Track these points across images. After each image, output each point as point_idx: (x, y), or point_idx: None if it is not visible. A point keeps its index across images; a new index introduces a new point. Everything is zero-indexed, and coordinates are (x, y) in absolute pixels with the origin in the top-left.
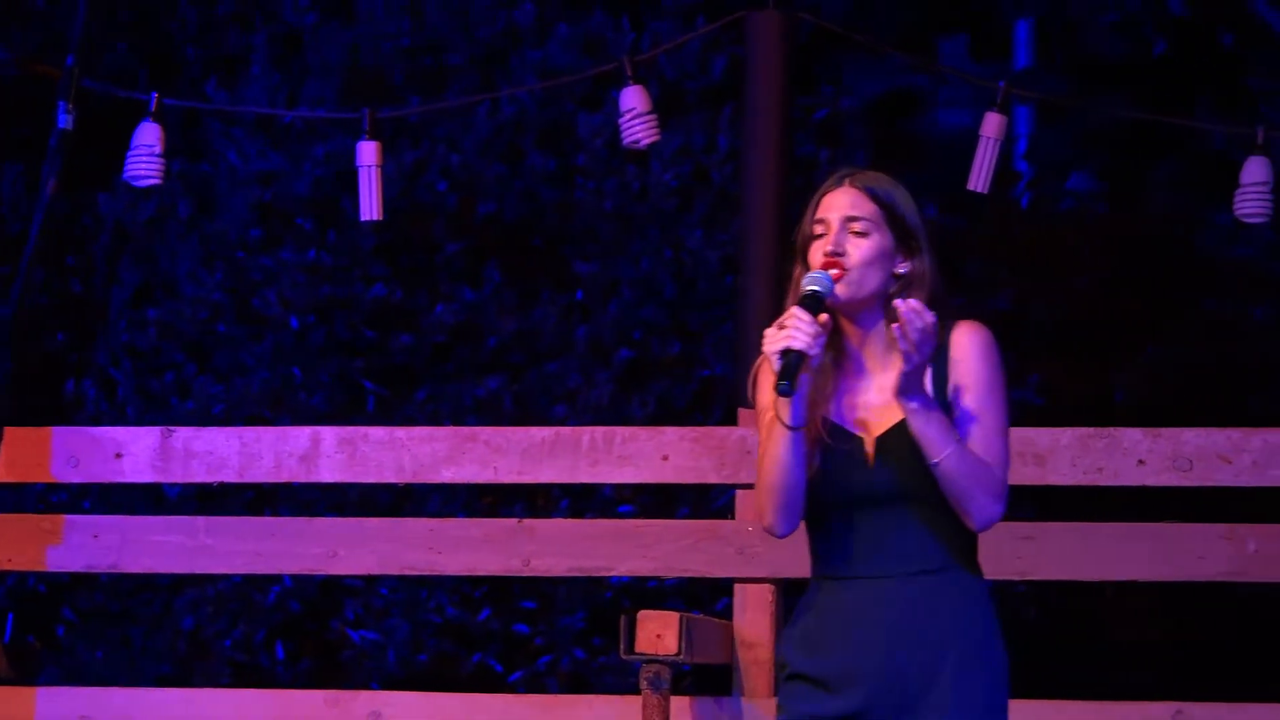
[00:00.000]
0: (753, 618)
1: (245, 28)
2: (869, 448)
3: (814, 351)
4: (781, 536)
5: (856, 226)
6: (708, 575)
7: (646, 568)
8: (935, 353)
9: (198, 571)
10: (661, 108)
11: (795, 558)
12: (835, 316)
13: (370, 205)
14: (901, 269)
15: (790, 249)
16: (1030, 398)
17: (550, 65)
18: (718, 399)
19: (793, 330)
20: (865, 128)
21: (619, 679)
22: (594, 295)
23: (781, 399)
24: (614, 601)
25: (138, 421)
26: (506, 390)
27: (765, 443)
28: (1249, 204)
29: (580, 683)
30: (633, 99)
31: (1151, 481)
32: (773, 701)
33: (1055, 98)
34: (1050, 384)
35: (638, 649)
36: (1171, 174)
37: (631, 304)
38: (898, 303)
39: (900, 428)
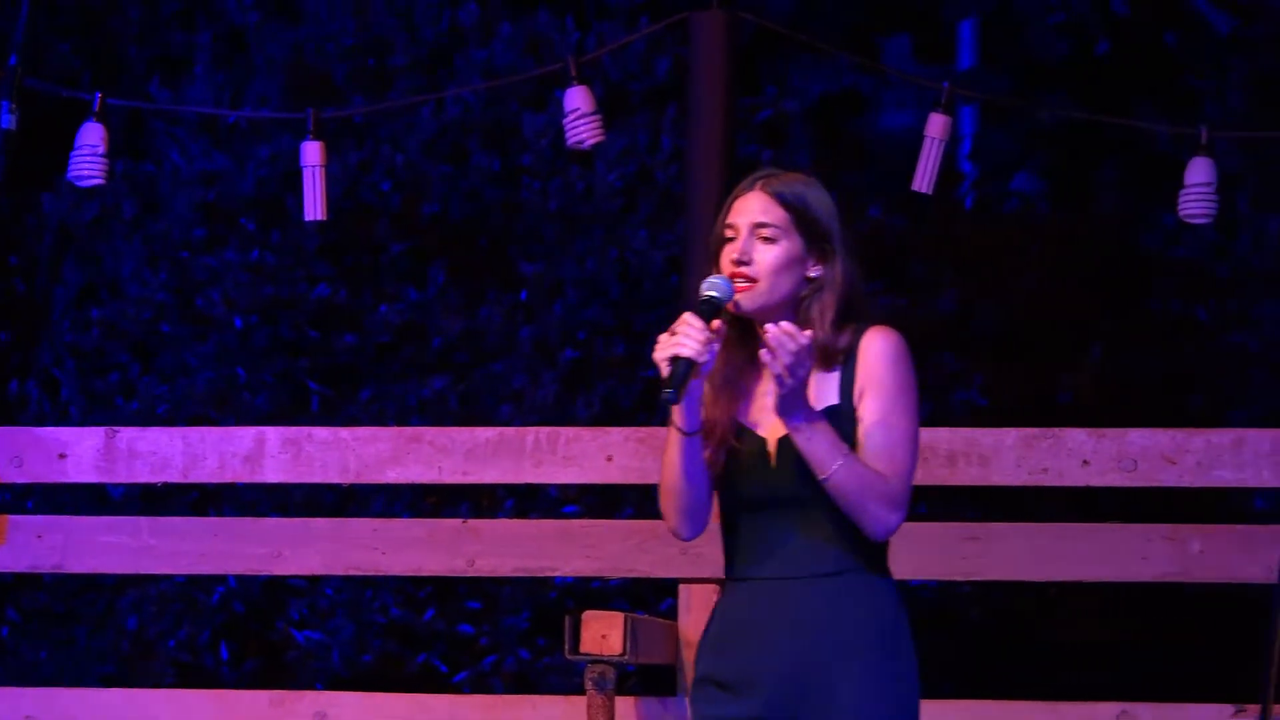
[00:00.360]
0: (697, 618)
1: (189, 27)
2: (771, 449)
3: (704, 359)
4: (687, 539)
5: (765, 233)
6: (652, 576)
7: (591, 568)
8: (846, 357)
9: (142, 572)
10: (606, 108)
11: None
12: (748, 321)
13: (314, 205)
14: (814, 273)
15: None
16: (974, 398)
17: (495, 65)
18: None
19: (683, 337)
20: (809, 128)
21: (564, 679)
22: (539, 295)
23: (666, 402)
24: (559, 602)
25: (82, 422)
26: (451, 390)
27: (665, 447)
28: (1193, 204)
29: (525, 683)
30: (577, 99)
31: (1096, 482)
32: None
33: (999, 98)
34: (994, 384)
35: (582, 649)
36: (1115, 174)
37: (576, 304)
38: (767, 326)
39: None
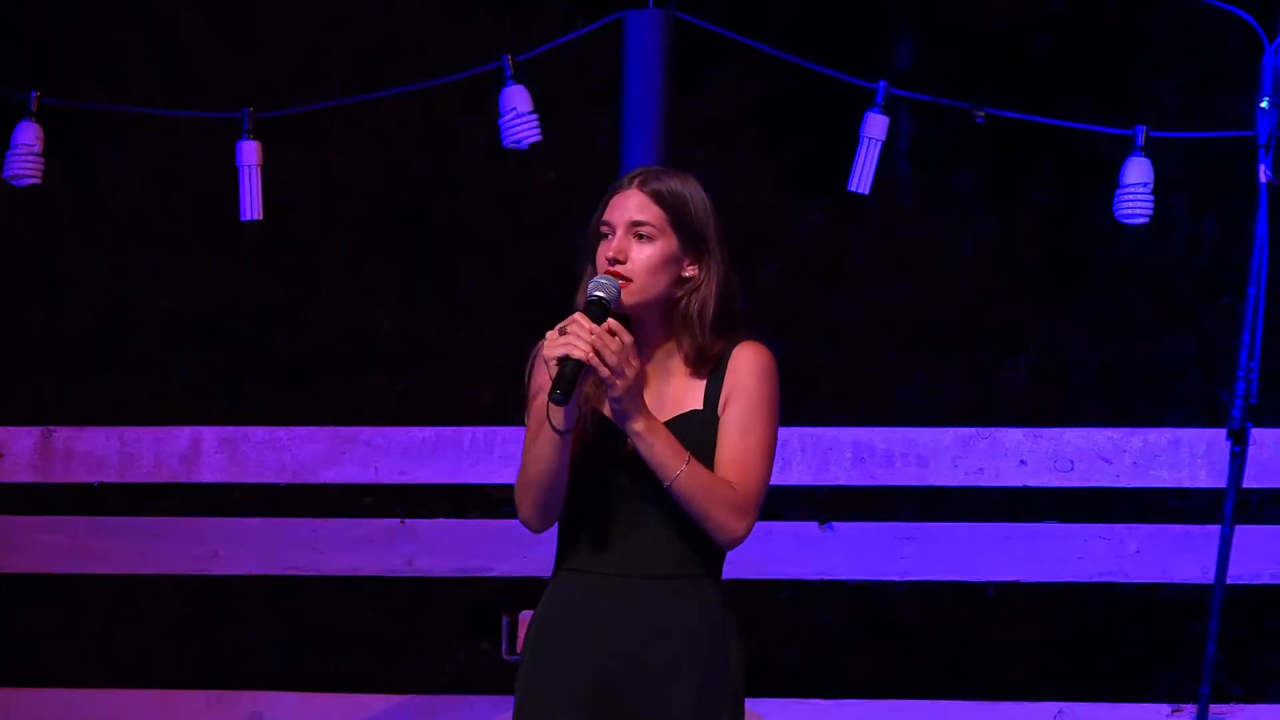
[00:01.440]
0: None
1: (127, 26)
2: (629, 445)
3: (593, 360)
4: (538, 532)
5: (641, 230)
6: None
7: (528, 568)
8: (715, 367)
9: (79, 572)
10: (543, 107)
11: None
12: (620, 318)
13: (251, 205)
14: (688, 273)
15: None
16: (912, 398)
17: (431, 65)
18: None
19: (573, 338)
20: (748, 128)
21: (502, 679)
22: (476, 296)
23: (554, 403)
24: (497, 601)
25: (18, 421)
26: (389, 391)
27: (532, 438)
28: (1129, 205)
29: (463, 683)
30: (514, 99)
31: (1033, 482)
32: None
33: (936, 98)
34: (931, 384)
35: (520, 649)
36: (1052, 174)
37: (513, 304)
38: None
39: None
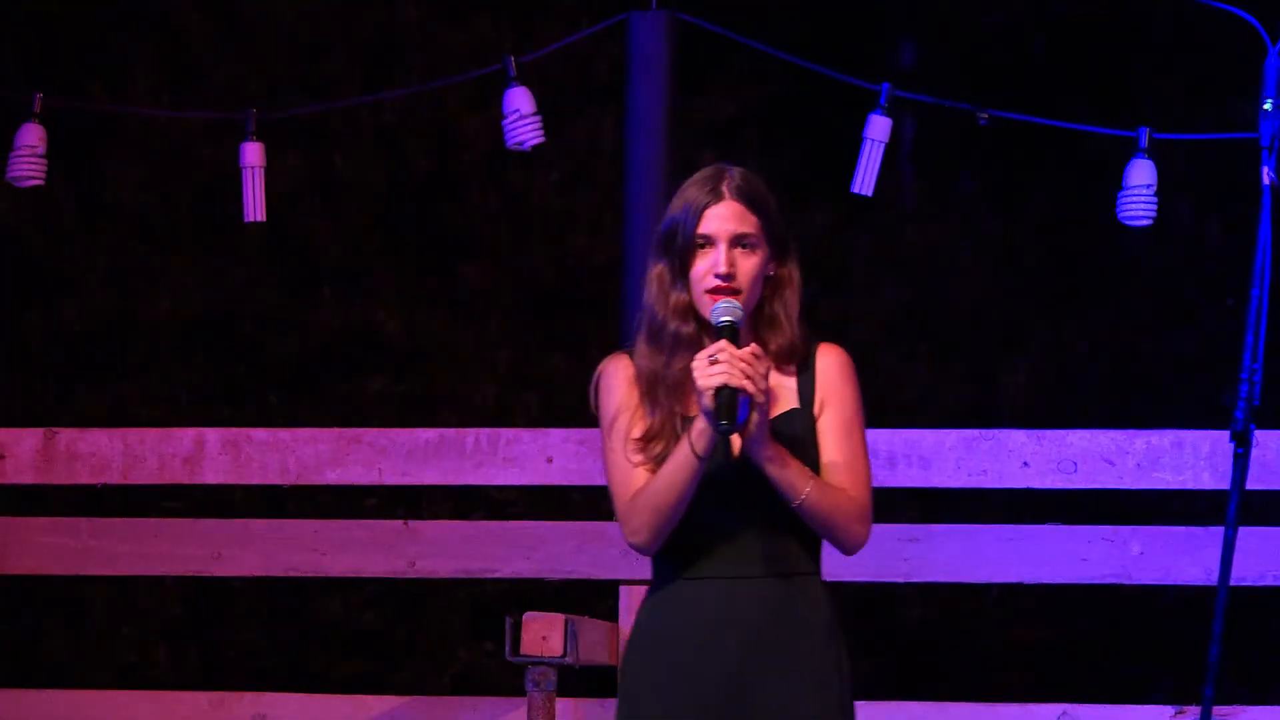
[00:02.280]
0: None
1: (130, 28)
2: (735, 448)
3: (751, 386)
4: (647, 554)
5: (745, 242)
6: (592, 577)
7: (531, 570)
8: (802, 365)
9: (82, 573)
10: (546, 109)
11: None
12: (706, 323)
13: (254, 207)
14: (771, 271)
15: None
16: (915, 399)
17: (434, 67)
18: None
19: (727, 367)
20: (753, 129)
21: (504, 681)
22: (479, 297)
23: (699, 430)
24: (500, 603)
25: (20, 423)
26: (391, 392)
27: (622, 455)
28: (1132, 206)
29: (466, 684)
30: (517, 100)
31: (1036, 484)
32: None
33: (939, 100)
34: (934, 385)
35: (523, 651)
36: (1055, 176)
37: (516, 306)
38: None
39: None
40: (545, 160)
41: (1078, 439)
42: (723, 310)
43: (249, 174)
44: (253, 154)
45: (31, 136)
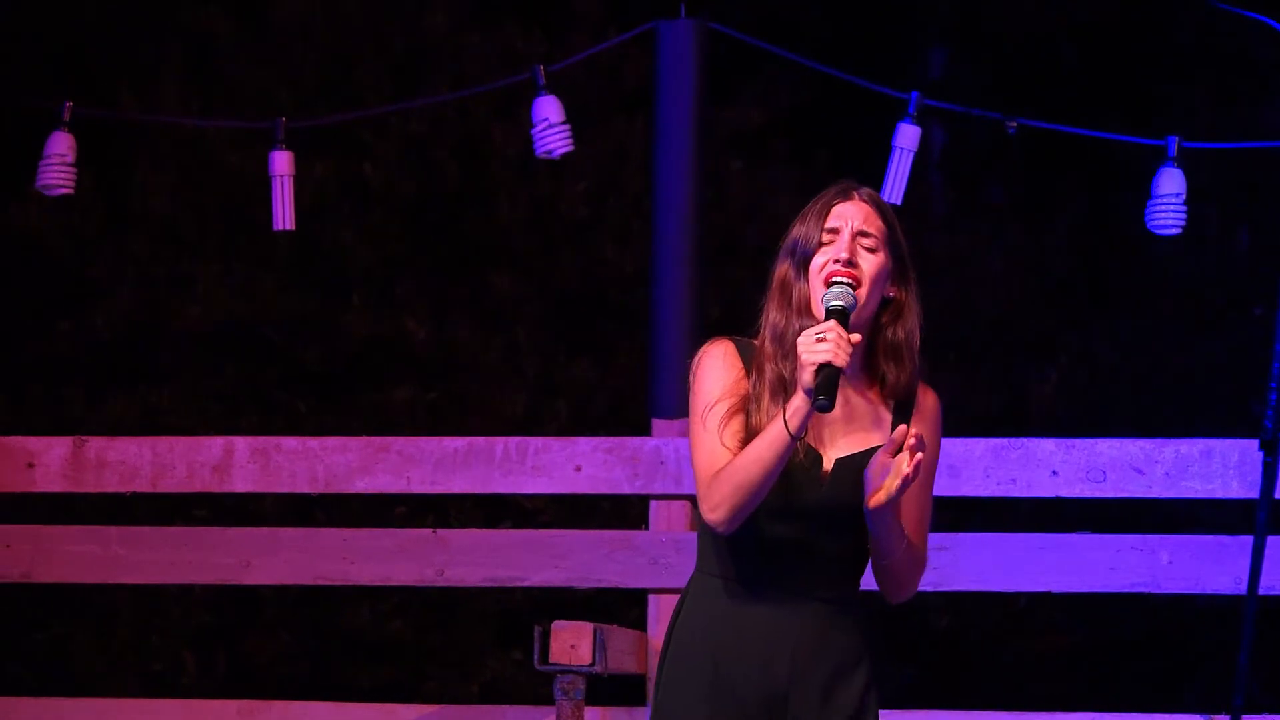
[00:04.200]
0: (666, 628)
1: (159, 37)
2: (826, 466)
3: (849, 369)
4: (726, 533)
5: (867, 242)
6: (621, 585)
7: (560, 578)
8: (902, 403)
9: (110, 581)
10: (575, 118)
11: None
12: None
13: (283, 215)
14: (891, 293)
15: (773, 254)
16: (943, 408)
17: (463, 75)
18: (631, 410)
19: (833, 345)
20: (782, 138)
21: (533, 689)
22: (507, 305)
23: (798, 407)
24: (528, 612)
25: (49, 431)
26: (420, 400)
27: (716, 435)
28: (1161, 215)
29: (494, 693)
30: (546, 109)
31: (1065, 493)
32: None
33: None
34: (963, 394)
35: (552, 659)
36: (1084, 184)
37: (545, 314)
38: (903, 431)
39: (860, 457)
40: (574, 169)
41: (1106, 448)
42: (834, 294)
43: (278, 182)
44: (282, 162)
45: (61, 145)
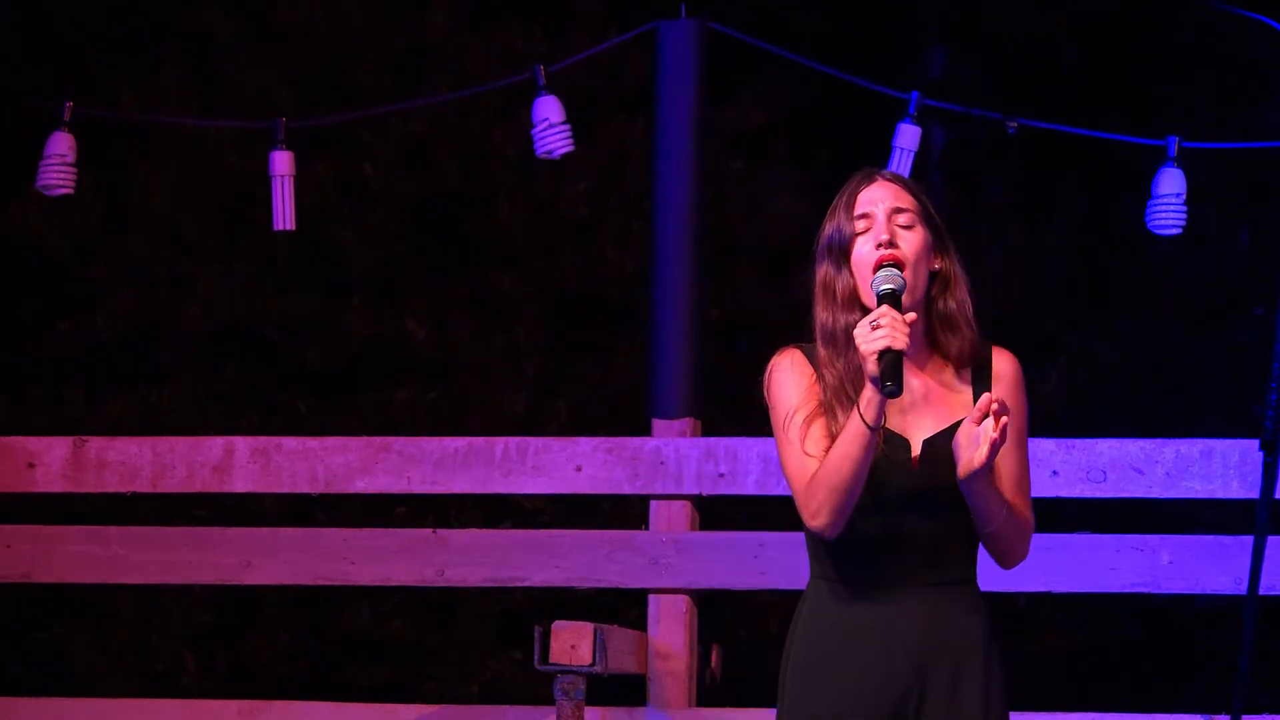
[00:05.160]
0: (667, 628)
1: (159, 37)
2: (914, 451)
3: (910, 352)
4: (832, 537)
5: (902, 219)
6: (622, 586)
7: (560, 578)
8: (978, 370)
9: (111, 581)
10: (575, 118)
11: (709, 568)
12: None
13: (283, 215)
14: (937, 265)
15: (813, 254)
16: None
17: (464, 75)
18: (631, 410)
19: (890, 330)
20: (782, 138)
21: (533, 689)
22: (508, 306)
23: (869, 399)
24: (528, 612)
25: (50, 431)
26: (421, 400)
27: (800, 445)
28: (1162, 215)
29: (494, 693)
30: (546, 109)
31: (1065, 493)
32: (687, 711)
33: (968, 109)
34: None
35: (552, 659)
36: (1084, 184)
37: (545, 314)
38: (987, 399)
39: (945, 434)
40: (574, 169)
41: (1107, 448)
42: (882, 279)
43: (278, 182)
44: (282, 163)
45: (61, 145)
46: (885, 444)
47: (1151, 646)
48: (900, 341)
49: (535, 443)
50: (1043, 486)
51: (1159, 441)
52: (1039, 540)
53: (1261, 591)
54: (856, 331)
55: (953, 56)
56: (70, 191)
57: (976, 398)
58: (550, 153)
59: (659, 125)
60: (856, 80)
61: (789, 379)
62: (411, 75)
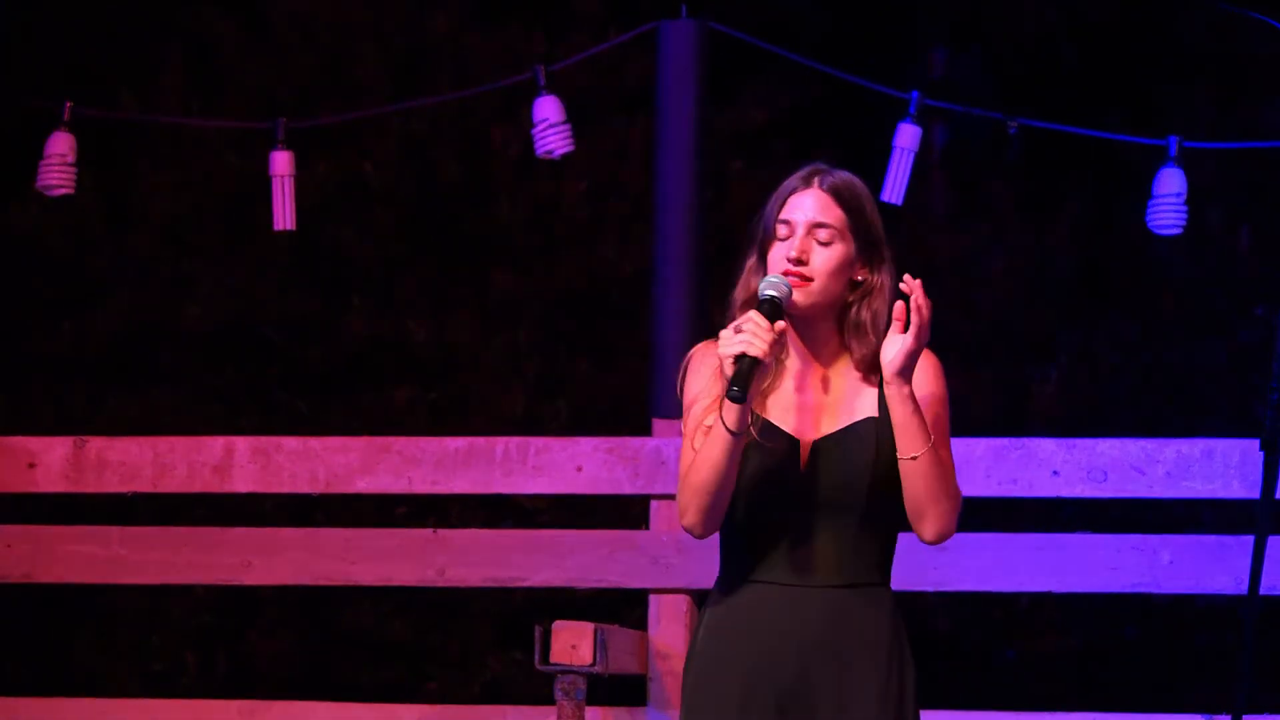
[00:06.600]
0: (667, 628)
1: (159, 36)
2: (804, 452)
3: (769, 360)
4: (700, 538)
5: (821, 235)
6: (622, 586)
7: (561, 578)
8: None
9: (111, 582)
10: (575, 118)
11: (710, 568)
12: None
13: (284, 215)
14: (860, 276)
15: (741, 246)
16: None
17: (464, 75)
18: (632, 410)
19: (750, 336)
20: (782, 138)
21: (534, 689)
22: (508, 306)
23: (728, 403)
24: (529, 612)
25: (50, 431)
26: (421, 400)
27: (690, 440)
28: (1162, 215)
29: (495, 693)
30: (546, 109)
31: (1066, 493)
32: None
33: (969, 109)
34: (963, 394)
35: (553, 659)
36: (1085, 184)
37: (546, 314)
38: (908, 279)
39: (839, 435)
40: (575, 169)
41: (1108, 448)
42: (767, 284)
43: (278, 182)
44: (282, 163)
45: (61, 145)
46: (774, 443)
47: (1151, 646)
48: (757, 349)
49: (536, 443)
50: (1043, 486)
51: (1160, 441)
52: (1039, 540)
53: (1262, 592)
54: (722, 333)
55: (953, 56)
56: (70, 191)
57: (881, 401)
58: (550, 152)
59: (660, 125)
60: (857, 80)
61: (694, 373)
62: (412, 75)
